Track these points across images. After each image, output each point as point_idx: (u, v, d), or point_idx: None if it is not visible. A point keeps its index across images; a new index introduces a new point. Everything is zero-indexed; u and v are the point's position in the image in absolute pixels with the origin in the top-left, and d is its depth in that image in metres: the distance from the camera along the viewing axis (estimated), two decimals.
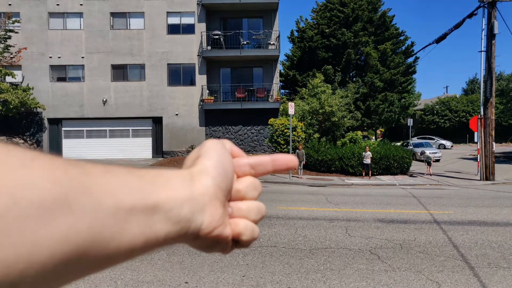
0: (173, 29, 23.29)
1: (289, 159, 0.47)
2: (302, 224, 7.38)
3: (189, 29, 23.30)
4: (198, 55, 23.12)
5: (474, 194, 12.70)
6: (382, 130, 57.34)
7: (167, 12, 23.16)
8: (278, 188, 13.78)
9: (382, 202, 10.48)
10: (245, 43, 23.21)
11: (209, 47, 23.21)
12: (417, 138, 41.26)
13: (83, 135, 23.58)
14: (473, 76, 73.65)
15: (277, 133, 19.71)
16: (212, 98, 22.98)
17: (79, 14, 23.13)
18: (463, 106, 51.28)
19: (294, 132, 19.54)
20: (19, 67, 22.60)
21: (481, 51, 16.36)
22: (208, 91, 23.39)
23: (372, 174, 18.09)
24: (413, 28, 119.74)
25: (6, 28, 21.63)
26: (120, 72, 23.33)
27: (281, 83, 36.55)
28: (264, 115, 22.71)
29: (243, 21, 24.21)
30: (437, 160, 25.51)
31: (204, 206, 0.37)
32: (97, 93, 23.07)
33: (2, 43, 21.54)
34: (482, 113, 16.75)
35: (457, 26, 16.49)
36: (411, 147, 28.17)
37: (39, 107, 22.05)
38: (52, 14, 23.04)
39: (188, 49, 23.16)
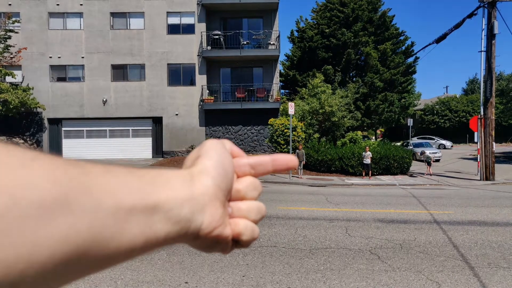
0: (173, 29, 23.29)
1: (289, 159, 0.47)
2: (302, 224, 7.38)
3: (189, 29, 23.29)
4: (198, 55, 23.12)
5: (474, 194, 12.70)
6: (382, 130, 57.34)
7: (167, 12, 23.16)
8: (278, 188, 13.78)
9: (382, 202, 10.48)
10: (245, 43, 23.21)
11: (209, 47, 23.21)
12: (417, 138, 41.25)
13: (83, 135, 23.58)
14: (473, 76, 73.68)
15: (277, 133, 19.71)
16: (212, 98, 22.97)
17: (79, 14, 23.13)
18: (463, 106, 51.29)
19: (294, 132, 19.54)
20: (19, 67, 22.60)
21: (481, 51, 16.35)
22: (208, 91, 23.39)
23: (372, 174, 18.09)
24: (413, 28, 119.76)
25: (6, 28, 21.63)
26: (120, 72, 23.33)
27: (281, 83, 36.55)
28: (264, 115, 22.71)
29: (243, 21, 24.21)
30: (437, 160, 25.51)
31: (204, 206, 0.37)
32: (97, 93, 23.07)
33: (2, 43, 21.55)
34: (482, 113, 16.74)
35: (457, 26, 16.49)
36: (411, 147, 28.17)
37: (39, 107, 22.05)
38: (52, 14, 23.04)
39: (188, 49, 23.16)
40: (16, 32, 22.21)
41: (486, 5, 15.79)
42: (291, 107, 16.50)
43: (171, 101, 23.16)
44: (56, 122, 23.33)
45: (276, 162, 0.46)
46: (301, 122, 20.94)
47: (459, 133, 50.46)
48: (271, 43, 23.43)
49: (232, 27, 23.95)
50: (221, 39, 23.09)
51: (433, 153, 25.60)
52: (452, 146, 22.19)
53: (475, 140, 17.29)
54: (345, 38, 33.62)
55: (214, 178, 0.38)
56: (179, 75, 23.41)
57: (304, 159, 17.42)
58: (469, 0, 60.70)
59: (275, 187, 14.06)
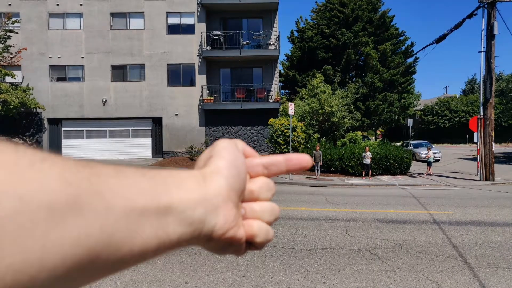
0: (173, 29, 23.29)
1: (303, 159, 0.46)
2: (302, 224, 7.39)
3: (189, 29, 23.29)
4: (198, 55, 23.11)
5: (473, 194, 12.70)
6: (382, 130, 57.34)
7: (167, 12, 23.16)
8: (278, 188, 13.77)
9: (382, 202, 10.48)
10: (245, 43, 23.21)
11: (209, 47, 23.21)
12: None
13: (83, 135, 23.57)
14: (472, 77, 73.71)
15: (277, 133, 19.72)
16: (212, 98, 22.97)
17: (79, 14, 23.13)
18: (463, 107, 51.32)
19: (294, 133, 19.55)
20: (19, 67, 22.59)
21: (481, 52, 16.36)
22: (208, 91, 23.39)
23: (372, 174, 18.10)
24: (413, 28, 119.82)
25: (6, 28, 21.63)
26: (120, 72, 23.32)
27: (281, 83, 36.56)
28: (264, 115, 22.71)
29: (243, 21, 24.21)
30: (437, 161, 25.53)
31: (218, 208, 0.36)
32: (97, 93, 23.06)
33: (2, 43, 21.54)
34: (481, 113, 16.75)
35: (456, 26, 16.49)
36: (410, 148, 28.19)
37: (39, 107, 22.04)
38: (52, 14, 23.04)
39: (188, 49, 23.16)
40: (16, 32, 22.21)
41: (485, 6, 15.79)
42: (291, 108, 16.50)
43: (171, 101, 23.16)
44: (56, 122, 23.32)
45: (290, 162, 0.45)
46: (301, 123, 20.95)
47: (459, 133, 50.49)
48: (271, 43, 23.44)
49: (232, 27, 23.95)
50: (221, 39, 23.10)
51: (433, 153, 25.62)
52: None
53: (475, 140, 17.30)
54: (345, 39, 33.64)
55: (227, 178, 0.37)
56: (179, 75, 23.41)
57: (321, 160, 17.43)
58: (469, 1, 60.73)
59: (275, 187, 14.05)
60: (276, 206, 0.43)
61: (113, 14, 23.21)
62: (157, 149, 23.54)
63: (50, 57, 22.92)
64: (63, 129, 23.48)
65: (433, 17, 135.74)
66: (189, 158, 21.43)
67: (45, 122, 23.03)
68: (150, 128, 23.59)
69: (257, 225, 0.40)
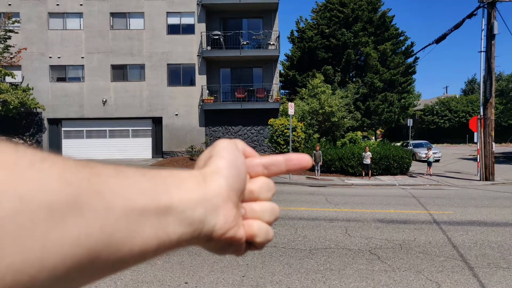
0: (173, 29, 23.29)
1: (303, 159, 0.46)
2: (302, 224, 7.39)
3: (189, 29, 23.29)
4: (198, 55, 23.12)
5: (473, 194, 12.70)
6: (382, 130, 57.33)
7: (167, 12, 23.16)
8: (278, 188, 13.77)
9: (382, 202, 10.48)
10: (245, 43, 23.21)
11: (209, 47, 23.21)
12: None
13: (83, 135, 23.57)
14: (472, 77, 73.72)
15: (277, 133, 19.72)
16: (212, 98, 22.97)
17: (79, 14, 23.13)
18: (463, 107, 51.32)
19: (294, 133, 19.55)
20: (19, 67, 22.59)
21: (481, 52, 16.36)
22: (208, 91, 23.39)
23: (372, 175, 18.10)
24: (413, 28, 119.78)
25: (6, 28, 21.64)
26: (120, 72, 23.33)
27: (281, 83, 36.56)
28: (264, 115, 22.72)
29: (243, 22, 24.21)
30: (437, 161, 25.53)
31: (218, 208, 0.36)
32: (97, 93, 23.06)
33: (2, 43, 21.55)
34: (481, 113, 16.75)
35: (457, 26, 16.50)
36: (410, 148, 28.20)
37: (39, 107, 22.05)
38: (52, 14, 23.04)
39: (188, 49, 23.16)
40: (16, 32, 22.22)
41: (485, 6, 15.80)
42: (291, 108, 16.50)
43: (171, 101, 23.16)
44: (56, 122, 23.32)
45: (290, 162, 0.45)
46: (301, 123, 20.95)
47: (459, 133, 50.49)
48: (271, 43, 23.44)
49: (232, 27, 23.96)
50: (221, 39, 23.10)
51: (433, 153, 25.66)
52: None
53: (475, 140, 17.30)
54: (345, 39, 33.64)
55: (227, 178, 0.37)
56: (179, 75, 23.41)
57: (322, 159, 17.46)
58: (469, 1, 60.74)
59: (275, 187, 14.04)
60: (276, 206, 0.43)
61: (113, 14, 23.21)
62: (157, 149, 23.54)
63: (50, 57, 22.92)
64: (63, 129, 23.48)
65: (433, 17, 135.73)
66: (189, 158, 21.43)
67: (45, 122, 23.03)
68: (150, 128, 23.59)
69: (257, 225, 0.40)
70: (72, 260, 0.26)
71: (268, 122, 20.99)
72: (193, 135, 23.16)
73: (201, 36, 23.00)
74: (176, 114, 23.15)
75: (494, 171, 16.66)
